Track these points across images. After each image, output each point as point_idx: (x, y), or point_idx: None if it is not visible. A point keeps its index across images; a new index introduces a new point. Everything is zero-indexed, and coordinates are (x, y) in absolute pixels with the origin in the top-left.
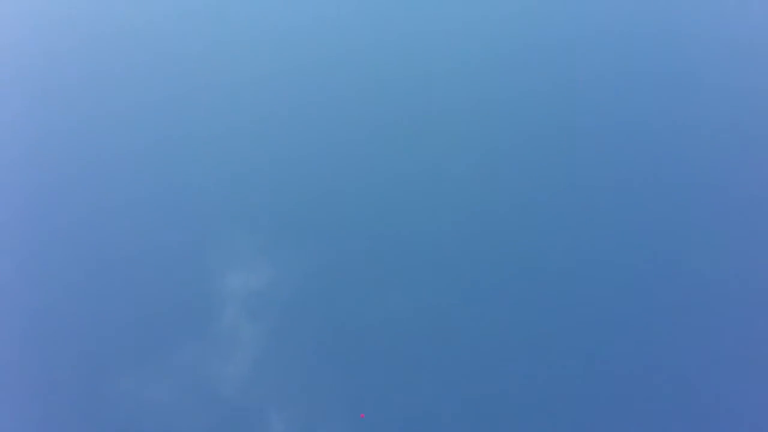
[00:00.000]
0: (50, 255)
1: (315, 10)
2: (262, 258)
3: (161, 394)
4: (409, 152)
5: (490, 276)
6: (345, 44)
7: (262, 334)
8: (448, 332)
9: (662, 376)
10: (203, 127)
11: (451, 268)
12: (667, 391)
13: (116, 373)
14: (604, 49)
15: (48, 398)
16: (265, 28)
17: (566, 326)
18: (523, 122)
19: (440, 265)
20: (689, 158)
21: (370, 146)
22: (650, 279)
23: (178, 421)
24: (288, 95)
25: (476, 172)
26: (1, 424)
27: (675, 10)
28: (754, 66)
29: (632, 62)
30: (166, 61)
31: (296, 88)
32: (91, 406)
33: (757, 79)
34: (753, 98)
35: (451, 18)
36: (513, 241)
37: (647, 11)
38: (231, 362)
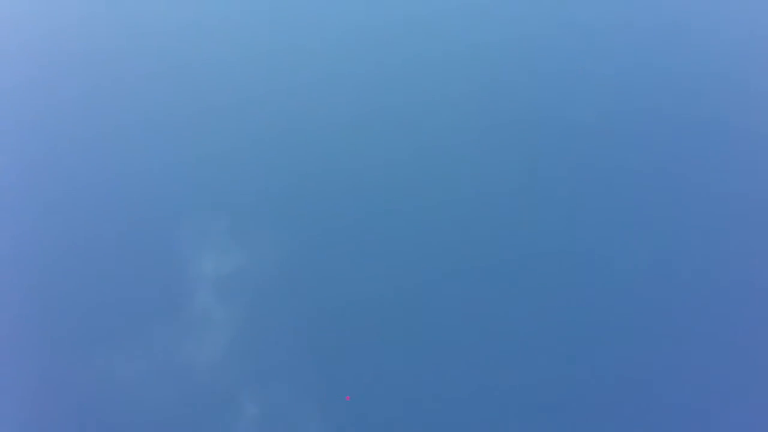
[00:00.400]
0: (18, 236)
1: None
2: (235, 240)
3: (132, 376)
4: (386, 131)
5: (472, 258)
6: (317, 24)
7: (235, 317)
8: (426, 314)
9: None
10: (176, 108)
11: (428, 251)
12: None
13: (87, 354)
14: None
15: (17, 379)
16: (244, 8)
17: (554, 305)
18: (510, 103)
19: (418, 248)
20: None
21: (345, 127)
22: (645, 267)
23: (149, 403)
24: (261, 76)
25: (459, 151)
26: None
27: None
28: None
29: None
30: (136, 42)
31: (267, 69)
32: (61, 387)
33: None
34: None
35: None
36: (491, 221)
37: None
38: (203, 345)
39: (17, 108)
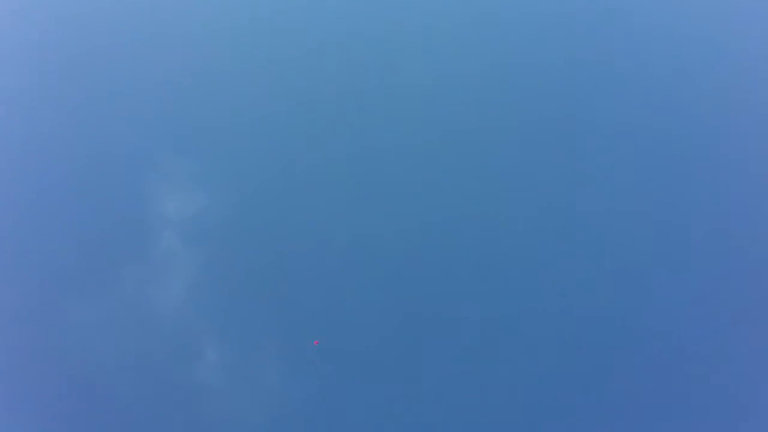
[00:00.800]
0: None
1: None
2: (200, 184)
3: (95, 318)
4: (356, 71)
5: (440, 208)
6: None
7: (197, 259)
8: (387, 255)
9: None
10: (143, 50)
11: (394, 196)
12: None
13: (51, 294)
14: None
15: None
16: None
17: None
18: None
19: (383, 189)
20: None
21: (317, 67)
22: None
23: (112, 345)
24: (234, 18)
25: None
26: None
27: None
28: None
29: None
30: None
31: (243, 12)
32: (25, 328)
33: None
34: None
35: None
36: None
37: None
38: (166, 287)
39: None
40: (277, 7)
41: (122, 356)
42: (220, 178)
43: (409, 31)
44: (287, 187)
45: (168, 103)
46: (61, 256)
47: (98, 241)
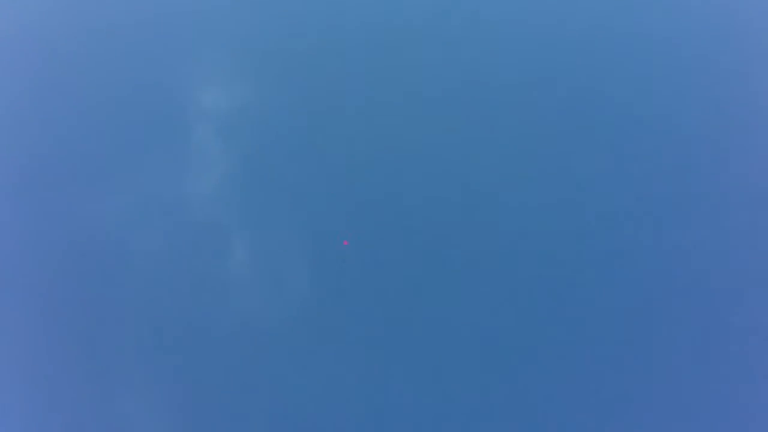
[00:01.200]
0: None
1: None
2: (244, 77)
3: (123, 208)
4: None
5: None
6: None
7: (233, 154)
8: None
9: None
10: None
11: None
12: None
13: (81, 185)
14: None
15: (9, 209)
16: None
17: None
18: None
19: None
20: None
21: None
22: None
23: (138, 237)
24: None
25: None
26: None
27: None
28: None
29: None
30: None
31: None
32: (52, 218)
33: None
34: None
35: None
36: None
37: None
38: (197, 181)
39: None
40: None
41: (147, 247)
42: (261, 73)
43: None
44: (331, 91)
45: None
46: (88, 143)
47: (128, 128)
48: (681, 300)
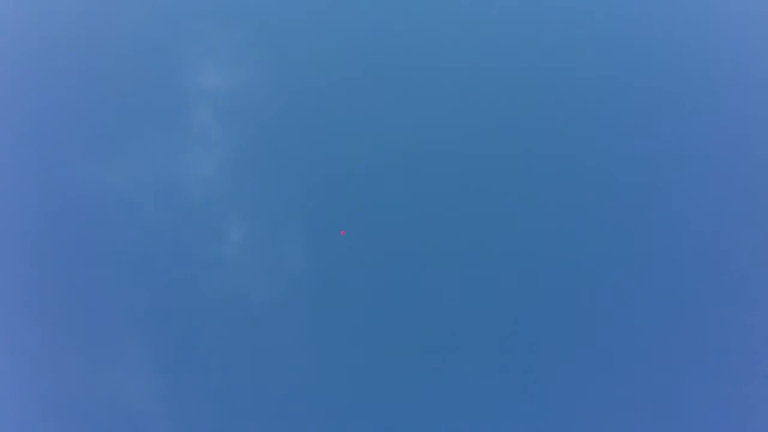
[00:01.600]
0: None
1: None
2: (241, 59)
3: (123, 186)
4: None
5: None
6: None
7: (230, 137)
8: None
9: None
10: None
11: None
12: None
13: (80, 162)
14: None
15: (13, 182)
16: None
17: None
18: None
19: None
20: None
21: None
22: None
23: (134, 212)
24: None
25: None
26: None
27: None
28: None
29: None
30: None
31: None
32: (52, 192)
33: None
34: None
35: None
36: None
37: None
38: (196, 161)
39: None
40: None
41: (144, 225)
42: (262, 55)
43: None
44: (333, 74)
45: None
46: (86, 119)
47: (127, 106)
48: (681, 300)
